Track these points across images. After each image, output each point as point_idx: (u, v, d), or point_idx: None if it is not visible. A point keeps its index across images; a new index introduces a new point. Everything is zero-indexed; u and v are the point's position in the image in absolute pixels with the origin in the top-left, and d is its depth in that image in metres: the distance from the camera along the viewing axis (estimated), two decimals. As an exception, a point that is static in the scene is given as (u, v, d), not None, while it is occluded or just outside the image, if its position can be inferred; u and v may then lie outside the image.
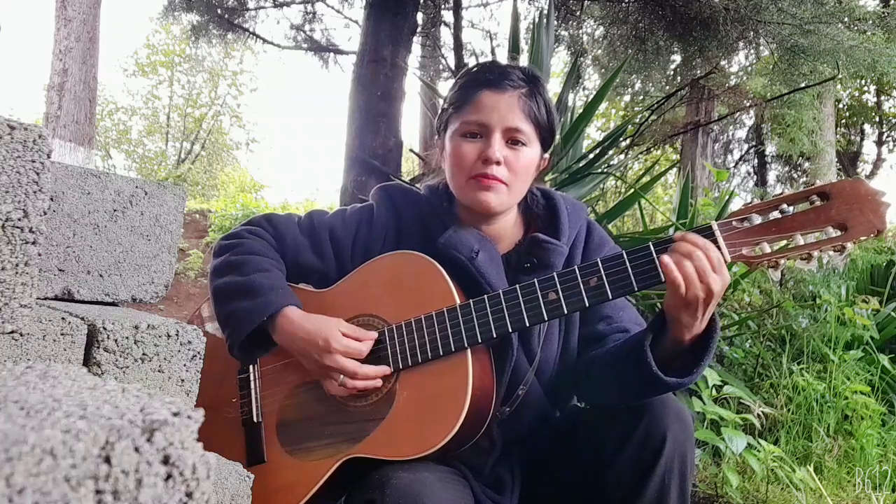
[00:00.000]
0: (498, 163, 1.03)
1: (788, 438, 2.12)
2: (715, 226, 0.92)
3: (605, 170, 2.56)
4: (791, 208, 0.90)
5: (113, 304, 1.12)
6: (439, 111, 1.16)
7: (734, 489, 1.69)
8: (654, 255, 0.92)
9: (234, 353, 1.08)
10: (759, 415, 1.95)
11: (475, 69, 1.11)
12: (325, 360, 1.02)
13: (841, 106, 11.62)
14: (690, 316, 0.90)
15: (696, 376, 0.93)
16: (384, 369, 1.02)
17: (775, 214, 0.91)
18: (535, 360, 1.07)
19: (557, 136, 1.15)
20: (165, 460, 0.42)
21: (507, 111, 1.04)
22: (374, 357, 1.05)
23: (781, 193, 0.92)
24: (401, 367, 1.01)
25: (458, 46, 4.49)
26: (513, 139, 1.05)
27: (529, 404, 1.08)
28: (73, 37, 7.09)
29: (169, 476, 0.42)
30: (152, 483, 0.41)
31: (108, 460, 0.39)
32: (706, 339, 0.93)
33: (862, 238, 0.86)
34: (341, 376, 1.02)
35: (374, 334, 1.05)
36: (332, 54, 5.85)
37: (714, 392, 1.88)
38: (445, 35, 5.86)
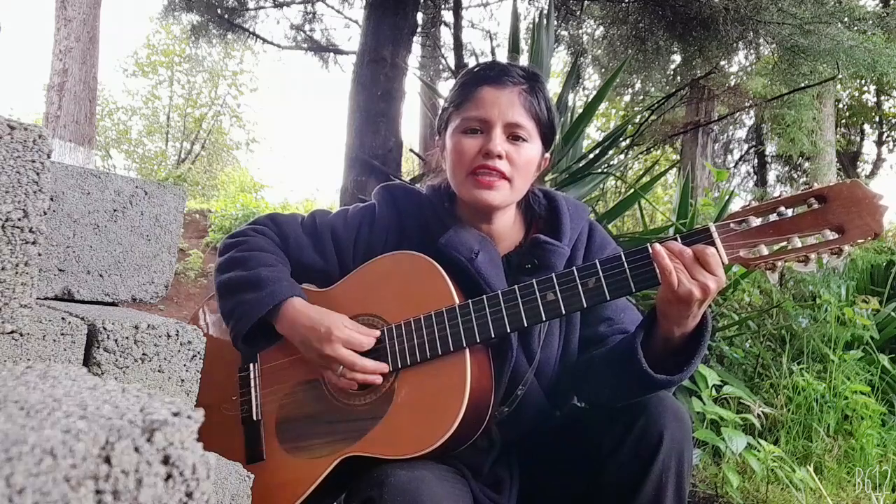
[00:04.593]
0: (499, 156, 1.03)
1: (788, 438, 2.12)
2: (713, 227, 0.92)
3: (605, 170, 2.55)
4: (789, 211, 0.90)
5: (113, 304, 1.12)
6: (440, 110, 1.16)
7: (734, 489, 1.69)
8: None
9: (237, 345, 1.09)
10: (759, 415, 1.95)
11: (475, 68, 1.12)
12: (325, 349, 1.01)
13: (841, 106, 11.61)
14: (682, 312, 0.90)
15: (686, 374, 0.94)
16: (383, 366, 1.02)
17: (773, 217, 0.91)
18: (534, 360, 1.07)
19: (558, 136, 1.15)
20: (165, 460, 0.42)
21: (507, 106, 1.04)
22: (374, 356, 1.05)
23: (780, 195, 0.92)
24: (400, 366, 1.01)
25: (458, 46, 4.49)
26: (514, 134, 1.05)
27: (529, 405, 1.08)
28: (73, 37, 7.09)
29: (169, 476, 0.42)
30: (152, 483, 0.41)
31: (108, 460, 0.39)
32: (697, 338, 0.94)
33: (859, 241, 0.86)
34: (341, 367, 1.02)
35: (377, 332, 1.05)
36: (332, 54, 5.86)
37: (714, 392, 1.88)
38: (445, 35, 5.86)
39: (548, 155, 1.14)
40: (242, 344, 1.08)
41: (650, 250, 0.92)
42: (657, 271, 0.91)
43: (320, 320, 1.03)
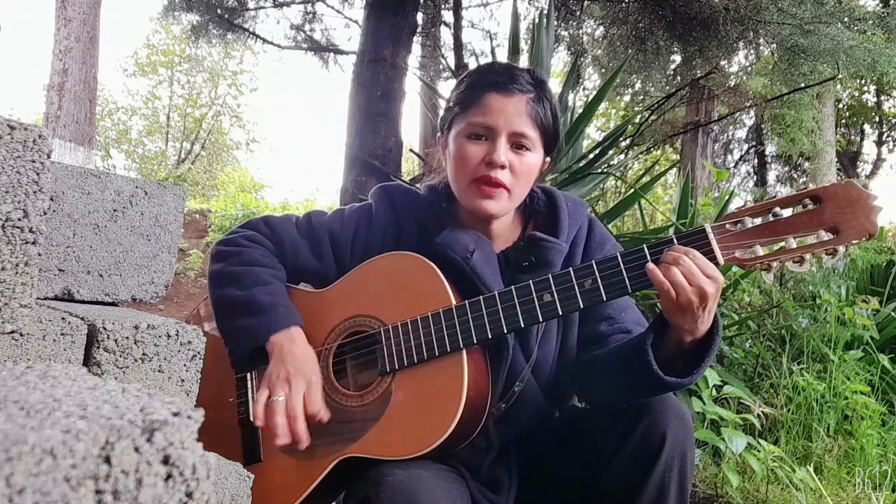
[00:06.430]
0: (503, 167, 1.03)
1: (788, 438, 2.12)
2: (708, 228, 0.92)
3: (605, 170, 2.55)
4: (784, 211, 0.91)
5: (113, 304, 1.13)
6: (443, 110, 1.16)
7: (734, 489, 1.69)
8: (648, 257, 0.93)
9: (235, 367, 1.10)
10: (759, 415, 1.95)
11: (482, 70, 1.11)
12: (292, 377, 1.00)
13: (841, 106, 11.62)
14: (689, 320, 0.90)
15: (696, 377, 0.94)
16: (303, 439, 0.99)
17: (768, 217, 0.91)
18: (531, 357, 1.07)
19: (561, 140, 1.15)
20: (165, 460, 0.42)
21: (513, 115, 1.03)
22: (370, 358, 1.05)
23: (775, 196, 0.93)
24: (397, 367, 1.01)
25: (458, 46, 4.50)
26: (517, 144, 1.05)
27: (526, 402, 1.08)
28: (73, 37, 7.10)
29: (169, 476, 0.42)
30: (152, 483, 0.41)
31: (108, 460, 0.39)
32: (708, 341, 0.94)
33: (853, 242, 0.87)
34: (283, 400, 0.99)
35: (330, 415, 1.03)
36: (332, 54, 5.86)
37: (714, 392, 1.88)
38: (445, 35, 5.86)
39: (548, 159, 1.14)
40: (240, 366, 1.10)
41: (646, 252, 0.92)
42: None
43: (307, 361, 1.03)
